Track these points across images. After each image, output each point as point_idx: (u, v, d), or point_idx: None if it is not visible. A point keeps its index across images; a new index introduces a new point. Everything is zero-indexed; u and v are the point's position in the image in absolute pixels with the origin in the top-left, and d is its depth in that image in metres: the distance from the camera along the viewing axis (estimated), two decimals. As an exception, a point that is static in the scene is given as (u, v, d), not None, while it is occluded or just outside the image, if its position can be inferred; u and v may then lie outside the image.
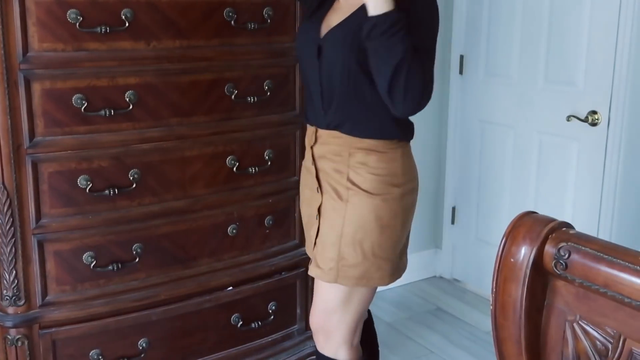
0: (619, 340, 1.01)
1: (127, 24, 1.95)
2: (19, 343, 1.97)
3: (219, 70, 2.17)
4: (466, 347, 2.90)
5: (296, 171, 2.41)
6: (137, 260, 2.11)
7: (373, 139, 1.74)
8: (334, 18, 1.78)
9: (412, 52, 1.60)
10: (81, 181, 1.98)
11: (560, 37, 2.82)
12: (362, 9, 1.66)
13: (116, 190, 2.03)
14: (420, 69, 1.62)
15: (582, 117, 2.73)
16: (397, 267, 1.84)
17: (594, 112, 2.69)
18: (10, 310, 1.97)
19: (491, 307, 1.14)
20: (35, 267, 1.97)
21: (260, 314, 2.42)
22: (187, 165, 2.16)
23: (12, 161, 1.87)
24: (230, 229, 2.29)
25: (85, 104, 1.94)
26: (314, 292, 1.91)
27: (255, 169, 2.29)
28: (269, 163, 2.32)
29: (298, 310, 2.52)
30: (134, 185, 2.06)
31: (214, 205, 2.24)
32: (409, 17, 1.62)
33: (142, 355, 2.17)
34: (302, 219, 2.03)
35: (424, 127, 3.40)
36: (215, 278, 2.29)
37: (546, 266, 1.07)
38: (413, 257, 3.46)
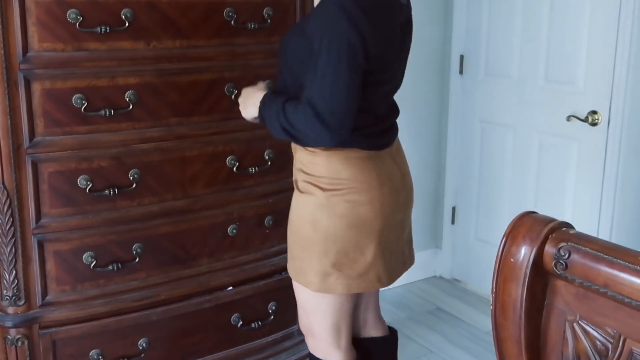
0: (619, 340, 1.01)
1: (127, 24, 1.95)
2: (19, 343, 1.97)
3: (219, 70, 2.17)
4: (466, 347, 2.90)
5: (296, 171, 2.41)
6: (137, 260, 2.11)
7: None
8: None
9: (291, 108, 1.65)
10: (81, 181, 1.98)
11: (560, 37, 2.82)
12: (301, 21, 1.79)
13: (116, 190, 2.03)
14: (305, 111, 1.60)
15: (582, 117, 2.73)
16: (323, 279, 1.76)
17: (594, 112, 2.69)
18: (10, 310, 1.97)
19: (491, 307, 1.14)
20: (35, 267, 1.97)
21: (260, 314, 2.42)
22: (187, 165, 2.16)
23: (12, 161, 1.87)
24: (230, 229, 2.29)
25: (85, 104, 1.94)
26: None
27: (255, 169, 2.29)
28: (269, 163, 2.32)
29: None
30: (134, 185, 2.06)
31: (214, 205, 2.24)
32: (311, 45, 1.61)
33: (142, 355, 2.17)
34: None
35: (424, 127, 3.40)
36: (215, 278, 2.29)
37: (546, 266, 1.07)
38: (413, 257, 3.47)
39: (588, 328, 1.05)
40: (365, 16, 1.59)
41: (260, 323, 2.40)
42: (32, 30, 1.83)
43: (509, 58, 3.07)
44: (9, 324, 1.97)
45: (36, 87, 1.87)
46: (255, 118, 1.82)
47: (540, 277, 1.08)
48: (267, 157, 2.32)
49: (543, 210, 1.20)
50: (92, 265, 2.03)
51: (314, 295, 1.82)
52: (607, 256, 0.99)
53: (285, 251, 2.43)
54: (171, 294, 2.20)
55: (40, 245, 1.96)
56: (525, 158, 3.07)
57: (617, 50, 2.58)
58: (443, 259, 3.57)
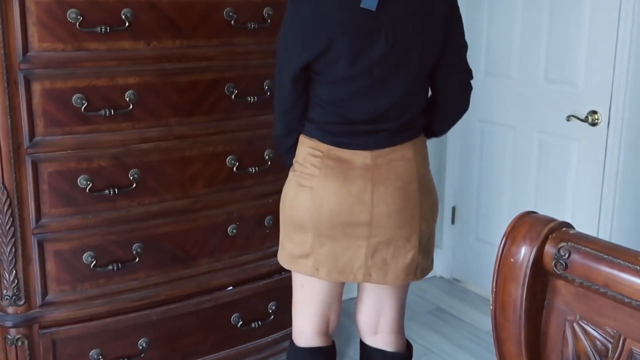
0: (619, 340, 1.01)
1: (127, 24, 1.95)
2: (19, 343, 1.97)
3: (219, 70, 2.17)
4: (466, 347, 2.90)
5: (296, 171, 2.41)
6: (137, 260, 2.11)
7: None
8: None
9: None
10: (81, 181, 1.98)
11: (560, 37, 2.82)
12: None
13: (116, 190, 2.03)
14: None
15: (582, 117, 2.73)
16: (280, 247, 1.91)
17: (594, 112, 2.69)
18: (10, 310, 1.97)
19: (491, 307, 1.14)
20: (35, 267, 1.97)
21: (260, 313, 2.42)
22: (187, 165, 2.16)
23: (12, 161, 1.87)
24: (230, 229, 2.29)
25: (85, 104, 1.94)
26: None
27: (255, 169, 2.29)
28: (269, 163, 2.32)
29: (298, 310, 2.52)
30: (134, 185, 2.06)
31: (213, 205, 2.24)
32: None
33: (142, 355, 2.17)
34: None
35: (424, 127, 3.39)
36: (215, 278, 2.29)
37: (546, 266, 1.07)
38: (413, 257, 3.47)
39: (588, 328, 1.05)
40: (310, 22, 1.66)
41: (260, 323, 2.40)
42: (32, 30, 1.83)
43: (509, 58, 3.07)
44: (9, 323, 1.97)
45: (36, 87, 1.87)
46: None
47: (540, 277, 1.08)
48: (267, 157, 2.32)
49: (543, 210, 1.20)
50: (92, 265, 2.03)
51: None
52: (607, 256, 0.99)
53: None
54: (171, 294, 2.21)
55: (40, 245, 1.96)
56: (525, 158, 3.07)
57: (617, 50, 2.58)
58: (443, 259, 3.57)
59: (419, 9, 1.70)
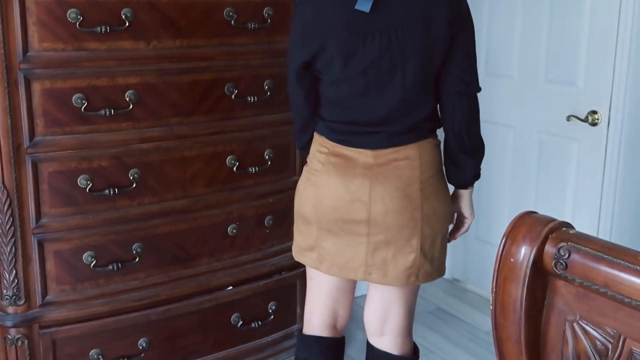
0: (619, 340, 1.01)
1: (127, 24, 1.95)
2: (19, 343, 1.97)
3: (219, 70, 2.17)
4: (466, 347, 2.90)
5: (296, 171, 2.41)
6: (137, 260, 2.11)
7: None
8: None
9: None
10: (81, 181, 1.98)
11: (560, 37, 2.82)
12: None
13: (116, 190, 2.03)
14: None
15: (582, 117, 2.73)
16: (294, 239, 1.96)
17: (594, 112, 2.69)
18: (10, 309, 1.97)
19: (491, 307, 1.14)
20: (35, 267, 1.97)
21: (260, 313, 2.42)
22: (187, 165, 2.16)
23: (12, 161, 1.87)
24: (230, 229, 2.29)
25: (85, 104, 1.94)
26: None
27: (255, 169, 2.29)
28: (269, 163, 2.32)
29: (298, 310, 2.52)
30: (134, 185, 2.06)
31: (214, 204, 2.25)
32: None
33: (142, 355, 2.17)
34: None
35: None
36: (215, 278, 2.29)
37: (546, 266, 1.07)
38: (413, 257, 3.47)
39: (588, 328, 1.05)
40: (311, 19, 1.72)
41: (260, 323, 2.40)
42: (32, 30, 1.83)
43: (509, 58, 3.07)
44: (9, 323, 1.97)
45: (36, 87, 1.87)
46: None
47: (540, 277, 1.08)
48: (267, 157, 2.32)
49: (543, 210, 1.20)
50: (92, 265, 2.03)
51: None
52: (607, 256, 0.99)
53: (285, 250, 2.44)
54: (171, 294, 2.21)
55: (40, 245, 1.96)
56: (525, 158, 3.07)
57: (617, 50, 2.58)
58: (443, 259, 3.57)
59: (419, 14, 1.68)
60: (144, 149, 2.07)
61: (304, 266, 2.23)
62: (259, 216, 2.36)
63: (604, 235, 2.70)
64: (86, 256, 2.03)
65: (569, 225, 1.09)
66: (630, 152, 2.64)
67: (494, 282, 1.12)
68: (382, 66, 1.70)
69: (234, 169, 2.25)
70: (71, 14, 1.87)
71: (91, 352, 2.08)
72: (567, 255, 1.03)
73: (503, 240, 1.10)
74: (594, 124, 2.70)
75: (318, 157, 1.82)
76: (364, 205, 1.75)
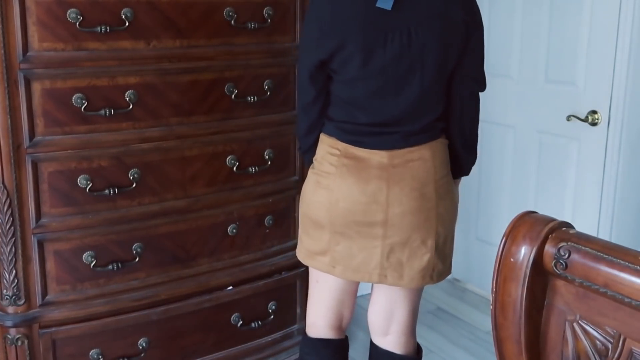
0: (619, 340, 1.01)
1: (127, 24, 1.95)
2: (19, 342, 1.97)
3: (219, 69, 2.17)
4: (466, 347, 2.90)
5: (296, 171, 2.41)
6: (137, 259, 2.11)
7: None
8: None
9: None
10: (81, 181, 1.98)
11: (560, 36, 2.82)
12: None
13: (116, 189, 2.03)
14: None
15: (582, 117, 2.73)
16: (299, 242, 1.93)
17: (594, 112, 2.69)
18: (10, 309, 1.97)
19: (491, 307, 1.14)
20: (35, 267, 1.97)
21: (260, 313, 2.42)
22: (187, 165, 2.16)
23: (12, 161, 1.87)
24: (230, 229, 2.29)
25: (85, 104, 1.94)
26: None
27: (255, 169, 2.29)
28: (269, 163, 2.32)
29: (298, 310, 2.52)
30: (134, 185, 2.06)
31: (214, 204, 2.25)
32: None
33: (142, 354, 2.17)
34: None
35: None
36: (215, 278, 2.29)
37: (546, 266, 1.07)
38: (413, 257, 3.47)
39: (588, 328, 1.05)
40: (327, 18, 1.70)
41: (260, 323, 2.40)
42: (32, 29, 1.83)
43: (509, 58, 3.07)
44: (9, 323, 1.97)
45: (36, 87, 1.87)
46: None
47: (540, 277, 1.08)
48: (267, 157, 2.32)
49: (543, 210, 1.20)
50: (92, 264, 2.03)
51: None
52: (607, 256, 0.99)
53: (285, 250, 2.44)
54: (171, 294, 2.21)
55: (40, 245, 1.96)
56: (525, 158, 3.07)
57: (617, 50, 2.58)
58: (443, 259, 3.57)
59: (437, 13, 1.68)
60: (144, 149, 2.07)
61: (303, 266, 2.23)
62: (259, 216, 2.36)
63: (604, 235, 2.70)
64: (86, 256, 2.03)
65: (569, 225, 1.09)
66: (630, 152, 2.64)
67: (494, 282, 1.12)
68: (401, 65, 1.69)
69: (234, 169, 2.25)
70: (71, 13, 1.87)
71: (91, 352, 2.08)
72: (567, 255, 1.03)
73: (503, 240, 1.10)
74: (594, 124, 2.70)
75: (329, 160, 1.78)
76: (381, 206, 1.74)
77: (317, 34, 1.71)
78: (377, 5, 1.63)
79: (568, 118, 2.77)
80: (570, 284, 1.05)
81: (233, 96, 2.19)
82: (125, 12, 1.94)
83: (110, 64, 1.97)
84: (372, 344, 2.02)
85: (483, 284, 3.34)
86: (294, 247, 2.43)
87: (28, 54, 1.84)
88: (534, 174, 3.04)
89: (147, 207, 2.11)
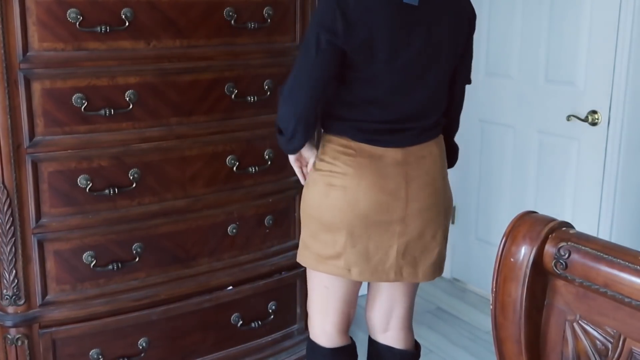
0: (619, 339, 1.01)
1: (127, 24, 1.95)
2: (19, 342, 1.97)
3: (219, 69, 2.17)
4: (466, 347, 2.90)
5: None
6: (137, 259, 2.11)
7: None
8: None
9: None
10: (81, 181, 1.98)
11: (561, 36, 2.82)
12: None
13: (116, 189, 2.03)
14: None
15: (582, 117, 2.73)
16: (302, 249, 1.88)
17: (594, 112, 2.69)
18: (10, 309, 1.97)
19: (491, 307, 1.14)
20: (35, 267, 1.97)
21: (260, 313, 2.42)
22: (187, 165, 2.16)
23: (12, 160, 1.87)
24: (230, 229, 2.29)
25: (85, 104, 1.94)
26: None
27: (255, 169, 2.29)
28: (269, 162, 2.32)
29: (298, 310, 2.52)
30: (134, 185, 2.06)
31: (213, 204, 2.24)
32: None
33: (142, 354, 2.17)
34: None
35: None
36: (215, 278, 2.29)
37: (546, 266, 1.07)
38: (413, 257, 3.47)
39: (588, 328, 1.05)
40: (346, 15, 1.63)
41: (260, 323, 2.40)
42: (32, 29, 1.83)
43: (509, 58, 3.07)
44: (9, 323, 1.97)
45: (36, 87, 1.87)
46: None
47: (540, 276, 1.08)
48: (267, 157, 2.32)
49: (543, 210, 1.20)
50: (92, 264, 2.03)
51: (308, 272, 1.92)
52: (607, 256, 0.99)
53: (285, 250, 2.44)
54: (171, 294, 2.20)
55: (40, 245, 1.96)
56: (525, 158, 3.07)
57: (617, 50, 2.58)
58: (443, 259, 3.57)
59: (450, 10, 1.74)
60: (144, 149, 2.07)
61: (303, 266, 2.23)
62: (259, 216, 2.36)
63: (604, 235, 2.70)
64: (86, 256, 2.03)
65: (569, 225, 1.09)
66: (630, 152, 2.64)
67: (494, 282, 1.12)
68: (421, 61, 1.72)
69: (234, 168, 2.25)
70: (71, 13, 1.87)
71: (91, 352, 2.08)
72: (567, 255, 1.03)
73: (503, 240, 1.10)
74: (594, 124, 2.70)
75: (343, 160, 1.76)
76: (402, 203, 1.76)
77: (342, 24, 1.63)
78: (405, 1, 1.64)
79: (568, 118, 2.77)
80: (570, 284, 1.05)
81: (233, 96, 2.19)
82: (125, 12, 1.94)
83: (110, 64, 1.97)
84: (371, 341, 2.03)
85: (483, 284, 3.34)
86: (294, 247, 2.43)
87: (28, 53, 1.84)
88: (534, 174, 3.04)
89: (147, 207, 2.11)
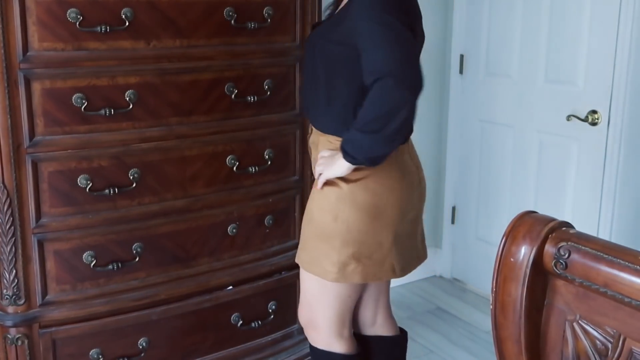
0: (619, 339, 1.01)
1: (127, 23, 1.95)
2: (19, 342, 1.97)
3: (219, 69, 2.17)
4: (466, 347, 2.90)
5: (296, 170, 2.41)
6: (137, 259, 2.11)
7: (327, 134, 1.82)
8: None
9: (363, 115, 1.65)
10: (81, 180, 1.98)
11: (560, 36, 2.82)
12: (338, 15, 1.77)
13: (116, 189, 2.03)
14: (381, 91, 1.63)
15: (582, 117, 2.73)
16: (342, 269, 1.77)
17: (594, 112, 2.69)
18: (10, 309, 1.97)
19: (491, 307, 1.14)
20: (35, 267, 1.97)
21: (260, 313, 2.42)
22: (187, 165, 2.16)
23: (12, 160, 1.87)
24: (230, 229, 2.29)
25: (85, 104, 1.94)
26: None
27: (255, 169, 2.29)
28: (269, 162, 2.32)
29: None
30: (134, 185, 2.06)
31: (214, 204, 2.24)
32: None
33: (142, 354, 2.17)
34: None
35: (424, 126, 3.40)
36: (215, 277, 2.29)
37: (546, 266, 1.07)
38: (413, 257, 3.47)
39: (588, 327, 1.05)
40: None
41: (260, 322, 2.40)
42: (32, 29, 1.83)
43: (509, 58, 3.07)
44: (9, 323, 1.97)
45: (36, 87, 1.87)
46: (351, 166, 1.72)
47: (540, 276, 1.08)
48: (267, 157, 2.32)
49: (543, 210, 1.20)
50: (92, 264, 2.03)
51: (325, 285, 1.83)
52: (607, 256, 0.99)
53: (285, 250, 2.44)
54: (171, 294, 2.20)
55: (40, 245, 1.96)
56: (525, 158, 3.07)
57: (617, 50, 2.59)
58: (443, 259, 3.57)
59: None
60: (144, 149, 2.07)
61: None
62: (259, 216, 2.36)
63: (604, 235, 2.70)
64: (86, 256, 2.03)
65: (569, 225, 1.09)
66: (630, 152, 2.64)
67: (494, 281, 1.12)
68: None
69: (234, 168, 2.25)
70: (71, 13, 1.87)
71: (91, 351, 2.08)
72: (567, 255, 1.03)
73: (503, 240, 1.10)
74: (594, 124, 2.70)
75: (405, 157, 1.83)
76: (421, 192, 1.90)
77: (406, 18, 1.67)
78: None
79: (568, 118, 2.77)
80: (570, 283, 1.05)
81: (233, 96, 2.19)
82: (125, 12, 1.94)
83: (110, 64, 1.97)
84: (361, 337, 2.04)
85: (483, 284, 3.34)
86: (294, 247, 2.43)
87: (28, 53, 1.84)
88: (534, 174, 3.04)
89: (147, 207, 2.11)
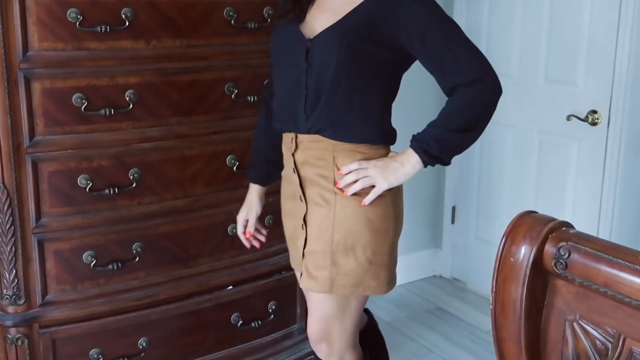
0: (619, 339, 1.01)
1: (127, 23, 1.95)
2: (19, 342, 1.97)
3: (219, 69, 2.17)
4: (466, 347, 2.90)
5: (296, 171, 2.41)
6: (137, 259, 2.11)
7: (355, 143, 1.68)
8: (322, 19, 1.66)
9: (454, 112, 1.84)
10: (81, 180, 1.98)
11: (560, 36, 2.82)
12: (355, 11, 1.61)
13: (116, 189, 2.03)
14: (474, 92, 1.80)
15: (582, 117, 2.73)
16: (393, 275, 1.75)
17: (594, 112, 2.69)
18: (10, 309, 1.97)
19: (491, 307, 1.14)
20: (36, 266, 1.97)
21: (260, 313, 2.42)
22: (187, 165, 2.16)
23: (12, 160, 1.87)
24: (230, 228, 2.29)
25: (86, 103, 1.94)
26: (309, 303, 1.86)
27: (255, 169, 2.29)
28: (269, 162, 2.32)
29: (298, 310, 2.52)
30: (134, 185, 2.06)
31: (214, 204, 2.24)
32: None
33: (142, 354, 2.17)
34: (286, 232, 1.91)
35: (424, 126, 3.39)
36: (215, 277, 2.29)
37: (546, 266, 1.07)
38: (413, 257, 3.47)
39: (588, 327, 1.05)
40: None
41: (260, 322, 2.40)
42: (32, 29, 1.83)
43: (509, 57, 3.07)
44: (9, 323, 1.97)
45: (36, 87, 1.87)
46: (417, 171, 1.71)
47: (540, 276, 1.08)
48: (267, 157, 2.32)
49: (543, 210, 1.20)
50: (92, 264, 2.03)
51: (349, 301, 1.76)
52: (607, 256, 0.99)
53: (285, 251, 2.41)
54: (171, 294, 2.21)
55: (40, 245, 1.96)
56: (525, 158, 3.07)
57: (617, 50, 2.59)
58: (443, 259, 3.57)
59: None
60: (144, 149, 2.07)
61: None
62: (259, 216, 2.35)
63: (604, 235, 2.70)
64: (86, 256, 2.03)
65: (569, 225, 1.09)
66: (630, 152, 2.64)
67: (494, 281, 1.12)
68: None
69: (234, 168, 2.25)
70: (71, 13, 1.87)
71: (91, 351, 2.08)
72: (567, 255, 1.03)
73: (503, 240, 1.10)
74: (594, 124, 2.70)
75: None
76: None
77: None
78: None
79: (568, 118, 2.77)
80: (570, 283, 1.05)
81: (233, 96, 2.19)
82: (125, 12, 1.94)
83: (110, 64, 1.97)
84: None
85: (483, 284, 3.34)
86: (294, 246, 2.44)
87: (28, 53, 1.84)
88: (534, 174, 3.04)
89: (147, 206, 2.11)
